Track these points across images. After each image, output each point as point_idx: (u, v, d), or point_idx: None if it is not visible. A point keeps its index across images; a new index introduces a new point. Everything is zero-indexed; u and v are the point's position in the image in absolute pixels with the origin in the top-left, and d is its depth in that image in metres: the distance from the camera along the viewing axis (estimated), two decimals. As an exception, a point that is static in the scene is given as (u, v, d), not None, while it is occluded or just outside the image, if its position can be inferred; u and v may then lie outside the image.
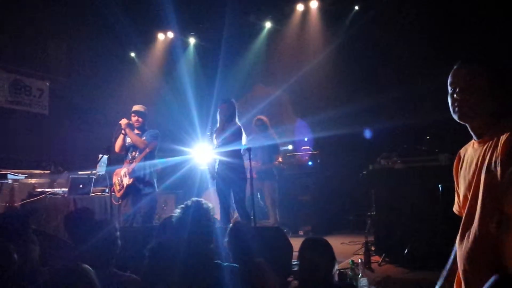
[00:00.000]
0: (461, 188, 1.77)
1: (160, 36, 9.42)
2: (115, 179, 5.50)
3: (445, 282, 1.87)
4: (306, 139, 6.09)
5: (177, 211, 2.58)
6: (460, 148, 1.86)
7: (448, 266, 1.88)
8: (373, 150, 5.74)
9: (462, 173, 1.77)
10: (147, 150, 5.39)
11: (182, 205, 2.59)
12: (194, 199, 2.61)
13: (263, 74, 8.79)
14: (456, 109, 1.73)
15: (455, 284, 1.80)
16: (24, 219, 3.11)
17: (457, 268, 1.76)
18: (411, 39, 6.98)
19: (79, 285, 1.71)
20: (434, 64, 6.34)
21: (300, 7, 8.26)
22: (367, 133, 7.17)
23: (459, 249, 1.72)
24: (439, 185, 4.56)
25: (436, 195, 4.58)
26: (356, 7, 7.83)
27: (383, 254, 4.88)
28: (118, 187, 5.45)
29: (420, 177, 4.86)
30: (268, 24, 8.73)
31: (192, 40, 9.52)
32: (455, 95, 1.73)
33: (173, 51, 9.29)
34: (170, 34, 9.30)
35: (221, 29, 8.35)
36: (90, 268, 1.79)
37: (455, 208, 1.86)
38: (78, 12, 7.96)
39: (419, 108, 6.49)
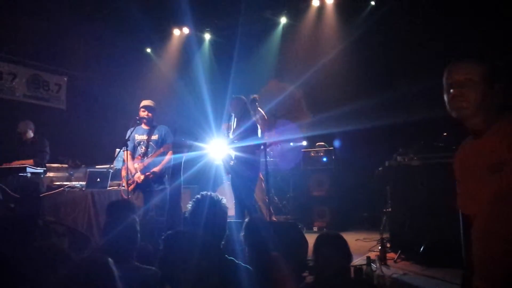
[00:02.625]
0: (466, 187, 1.74)
1: (176, 31, 9.45)
2: (123, 173, 5.50)
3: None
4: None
5: (190, 205, 2.58)
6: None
7: (463, 273, 1.86)
8: (389, 146, 5.70)
9: (465, 173, 1.75)
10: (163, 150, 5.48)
11: (195, 199, 2.58)
12: (208, 193, 2.61)
13: (278, 70, 8.77)
14: (453, 104, 1.71)
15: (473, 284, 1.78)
16: (34, 213, 3.16)
17: (472, 273, 1.75)
18: (428, 34, 6.90)
19: (99, 277, 1.73)
20: (451, 58, 6.26)
21: (315, 2, 8.21)
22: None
23: (476, 247, 1.70)
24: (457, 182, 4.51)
25: (453, 192, 4.53)
26: (373, 2, 7.77)
27: (399, 251, 4.86)
28: (129, 182, 5.44)
29: (437, 174, 4.81)
30: (283, 20, 8.70)
31: (207, 36, 9.53)
32: (451, 90, 1.72)
33: (188, 47, 9.32)
34: (186, 30, 9.32)
35: (236, 24, 8.34)
36: (111, 260, 1.81)
37: (460, 205, 1.84)
38: (95, 7, 8.03)
39: (436, 104, 6.40)
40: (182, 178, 6.08)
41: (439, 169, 4.82)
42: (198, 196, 2.56)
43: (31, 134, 6.29)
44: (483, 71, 1.69)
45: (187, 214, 2.55)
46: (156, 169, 5.36)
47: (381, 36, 7.38)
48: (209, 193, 2.57)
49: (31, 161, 5.97)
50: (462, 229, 1.84)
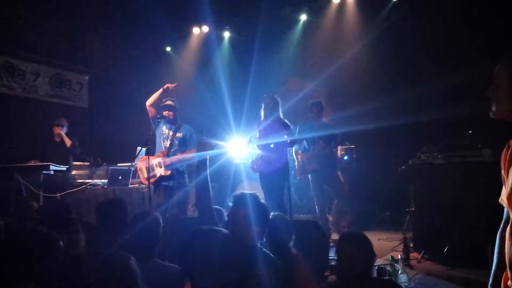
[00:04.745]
0: (510, 179, 1.70)
1: (195, 30, 9.48)
2: (141, 165, 5.47)
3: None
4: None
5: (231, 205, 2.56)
6: (505, 142, 1.79)
7: (493, 271, 1.81)
8: (413, 145, 5.61)
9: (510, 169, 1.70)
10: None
11: (234, 198, 2.55)
12: (246, 191, 2.59)
13: (298, 67, 8.72)
14: (490, 107, 1.72)
15: (502, 283, 1.73)
16: (66, 210, 3.21)
17: (502, 273, 1.70)
18: (451, 31, 6.76)
19: (121, 276, 1.73)
20: (476, 56, 6.13)
21: (336, -1, 8.16)
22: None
23: (508, 245, 1.65)
24: (482, 182, 4.41)
25: (479, 191, 4.44)
26: (394, -2, 7.66)
27: (423, 251, 4.79)
28: (145, 174, 5.42)
29: (462, 173, 4.72)
30: (303, 17, 8.65)
31: (226, 34, 9.54)
32: (489, 93, 1.72)
33: (208, 45, 9.33)
34: (205, 28, 9.34)
35: (256, 22, 8.32)
36: (132, 257, 1.81)
37: (501, 199, 1.79)
38: (116, 7, 8.10)
39: (461, 101, 6.28)
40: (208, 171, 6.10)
41: (464, 168, 4.73)
42: (236, 194, 2.55)
43: (63, 132, 6.52)
44: (505, 72, 1.67)
45: (226, 216, 2.54)
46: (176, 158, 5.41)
47: (404, 32, 7.25)
48: (247, 192, 2.57)
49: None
50: (502, 225, 1.78)
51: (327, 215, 6.08)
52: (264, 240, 3.20)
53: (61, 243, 1.99)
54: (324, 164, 6.01)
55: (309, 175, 6.10)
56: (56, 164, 5.83)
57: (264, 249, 2.49)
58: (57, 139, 6.55)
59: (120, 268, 1.65)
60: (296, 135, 5.94)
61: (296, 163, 6.27)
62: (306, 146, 6.16)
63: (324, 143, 6.05)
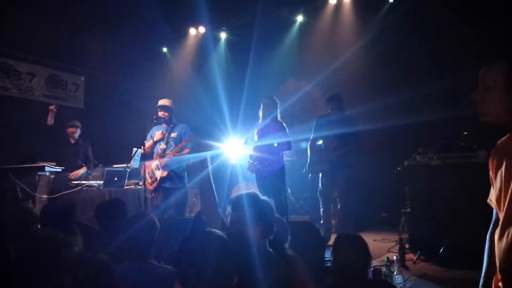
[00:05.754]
0: (497, 181, 1.71)
1: (192, 31, 9.48)
2: (146, 172, 5.56)
3: None
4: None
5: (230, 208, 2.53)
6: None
7: (483, 272, 1.82)
8: (409, 146, 5.61)
9: (499, 166, 1.71)
10: (183, 144, 5.52)
11: (231, 201, 2.52)
12: (246, 192, 2.57)
13: (295, 68, 8.72)
14: (478, 110, 1.72)
15: (493, 284, 1.74)
16: (68, 210, 3.21)
17: (493, 273, 1.71)
18: (448, 32, 6.78)
19: (100, 276, 1.73)
20: (474, 56, 6.14)
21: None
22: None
23: (498, 248, 1.66)
24: (477, 183, 4.42)
25: (474, 192, 4.44)
26: (391, -1, 7.67)
27: (418, 252, 4.79)
28: (150, 180, 5.53)
29: (458, 174, 4.73)
30: (300, 18, 8.66)
31: (223, 35, 9.54)
32: (477, 96, 1.72)
33: (204, 46, 9.33)
34: (202, 29, 9.35)
35: (253, 23, 8.32)
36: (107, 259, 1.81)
37: (490, 200, 1.81)
38: (112, 8, 8.09)
39: (456, 102, 6.30)
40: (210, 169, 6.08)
41: (460, 169, 4.74)
42: (233, 198, 2.53)
43: (77, 134, 6.61)
44: (497, 75, 1.66)
45: (228, 221, 2.52)
46: (172, 154, 5.43)
47: (400, 33, 7.26)
48: (244, 193, 2.55)
49: (85, 168, 6.43)
50: (492, 227, 1.79)
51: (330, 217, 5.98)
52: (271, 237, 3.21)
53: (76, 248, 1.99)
54: (335, 166, 5.69)
55: (320, 174, 5.88)
56: (65, 165, 5.90)
57: (269, 249, 2.46)
58: (72, 141, 6.59)
59: (99, 269, 1.66)
60: (313, 130, 5.92)
61: (308, 160, 5.99)
62: (323, 145, 5.90)
63: (339, 142, 5.69)
